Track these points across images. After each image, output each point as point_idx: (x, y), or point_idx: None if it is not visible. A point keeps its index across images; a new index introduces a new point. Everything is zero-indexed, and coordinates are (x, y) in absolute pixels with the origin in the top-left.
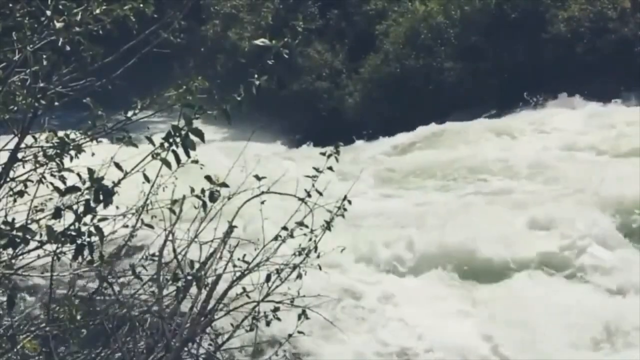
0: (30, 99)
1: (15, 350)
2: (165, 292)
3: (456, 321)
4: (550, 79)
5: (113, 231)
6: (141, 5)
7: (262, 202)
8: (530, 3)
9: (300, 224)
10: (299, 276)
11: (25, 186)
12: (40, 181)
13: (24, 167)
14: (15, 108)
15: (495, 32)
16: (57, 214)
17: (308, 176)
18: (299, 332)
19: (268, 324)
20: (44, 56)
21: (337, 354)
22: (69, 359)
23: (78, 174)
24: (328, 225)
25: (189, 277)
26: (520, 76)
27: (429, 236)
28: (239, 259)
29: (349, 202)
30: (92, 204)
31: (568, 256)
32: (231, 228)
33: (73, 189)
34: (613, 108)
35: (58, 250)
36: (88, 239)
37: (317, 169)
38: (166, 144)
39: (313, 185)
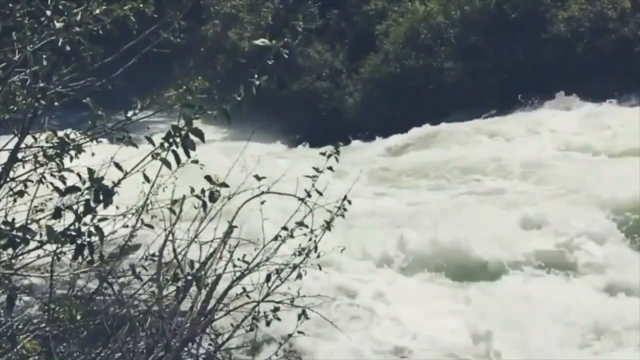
0: (30, 99)
1: (15, 350)
2: (165, 292)
3: (449, 320)
4: (550, 79)
5: (113, 231)
6: (141, 5)
7: (262, 202)
8: (530, 3)
9: (300, 224)
10: (299, 276)
11: (25, 186)
12: (40, 181)
13: (24, 167)
14: (15, 108)
15: (495, 32)
16: (57, 214)
17: (308, 176)
18: (299, 332)
19: (268, 324)
20: (44, 56)
21: (331, 352)
22: (69, 359)
23: (78, 174)
24: (328, 225)
25: (189, 277)
26: (520, 76)
27: (423, 235)
28: (239, 259)
29: (349, 202)
30: (92, 204)
31: (562, 255)
32: (231, 228)
33: (73, 189)
34: (609, 108)
35: (58, 250)
36: (88, 239)
37: (317, 169)
38: (166, 144)
39: (313, 185)
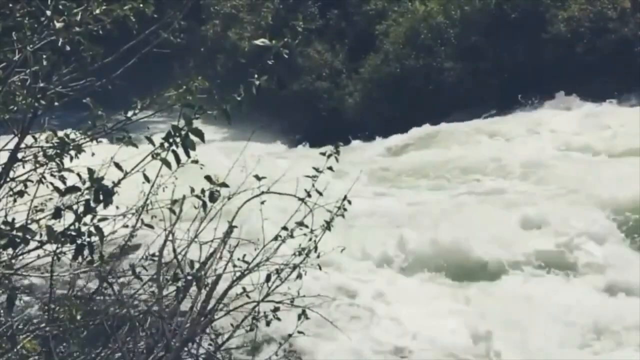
0: (30, 99)
1: (15, 350)
2: (165, 292)
3: (449, 320)
4: (550, 79)
5: (113, 231)
6: (141, 5)
7: (262, 202)
8: (530, 3)
9: (300, 224)
10: (299, 276)
11: (25, 186)
12: (40, 181)
13: (24, 167)
14: (15, 108)
15: (495, 32)
16: (57, 214)
17: (308, 176)
18: (299, 332)
19: (268, 324)
20: (44, 56)
21: (331, 352)
22: (69, 359)
23: (78, 174)
24: (328, 225)
25: (189, 277)
26: (520, 76)
27: (423, 235)
28: (239, 259)
29: (349, 202)
30: (92, 204)
31: (562, 255)
32: (231, 228)
33: (73, 189)
34: (609, 108)
35: (58, 250)
36: (88, 239)
37: (317, 169)
38: (166, 144)
39: (313, 185)
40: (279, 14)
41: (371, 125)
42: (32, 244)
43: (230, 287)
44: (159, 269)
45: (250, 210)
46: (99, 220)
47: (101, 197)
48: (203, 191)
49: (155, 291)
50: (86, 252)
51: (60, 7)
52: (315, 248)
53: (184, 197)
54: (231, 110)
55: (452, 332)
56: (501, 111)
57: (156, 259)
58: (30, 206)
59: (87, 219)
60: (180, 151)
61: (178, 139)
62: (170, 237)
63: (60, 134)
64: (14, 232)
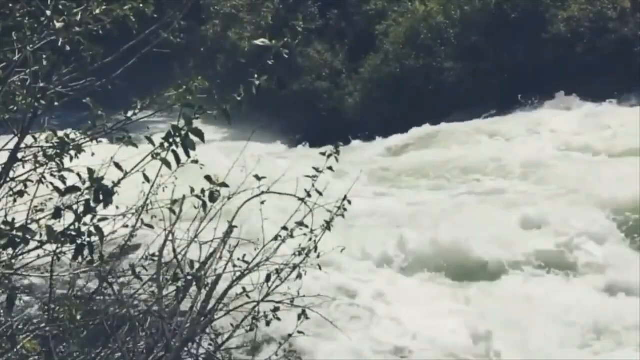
0: (30, 99)
1: (15, 350)
2: (165, 292)
3: (449, 320)
4: (550, 79)
5: (113, 231)
6: (141, 5)
7: (262, 202)
8: (530, 3)
9: (300, 224)
10: (299, 276)
11: (25, 186)
12: (40, 181)
13: (24, 167)
14: (15, 108)
15: (495, 32)
16: (57, 214)
17: (308, 176)
18: (299, 332)
19: (268, 324)
20: (44, 56)
21: (331, 352)
22: (69, 359)
23: (78, 174)
24: (328, 225)
25: (189, 277)
26: (520, 76)
27: (423, 235)
28: (239, 259)
29: (349, 202)
30: (92, 204)
31: (562, 255)
32: (231, 228)
33: (73, 189)
34: (609, 108)
35: (58, 250)
36: (88, 239)
37: (317, 169)
38: (166, 144)
39: (313, 185)
40: (279, 14)
41: (371, 125)
42: (32, 244)
43: (230, 287)
44: (159, 269)
45: (250, 210)
46: (99, 220)
47: (101, 197)
48: (203, 191)
49: (155, 291)
50: (86, 252)
51: (60, 7)
52: (315, 248)
53: (184, 197)
54: (231, 110)
55: (452, 332)
56: (501, 111)
57: (156, 259)
58: (30, 206)
59: (87, 219)
60: (180, 151)
61: (178, 139)
62: (170, 237)
63: (60, 134)
64: (14, 232)
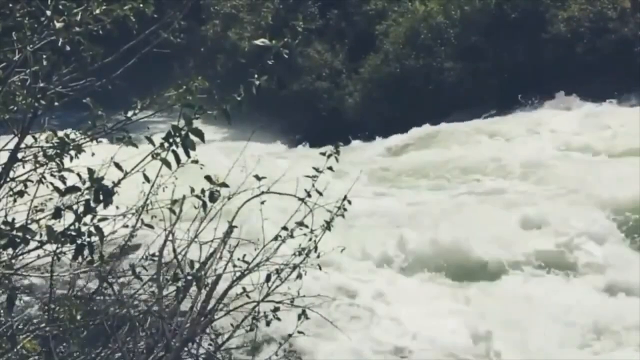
0: (30, 99)
1: (15, 350)
2: (165, 292)
3: (449, 320)
4: (550, 79)
5: (113, 231)
6: (141, 5)
7: (262, 202)
8: (530, 3)
9: (300, 224)
10: (299, 276)
11: (25, 186)
12: (40, 181)
13: (24, 167)
14: (15, 108)
15: (495, 32)
16: (57, 214)
17: (308, 176)
18: (299, 332)
19: (268, 324)
20: (44, 56)
21: (331, 352)
22: (69, 359)
23: (78, 174)
24: (328, 225)
25: (189, 277)
26: (520, 76)
27: (423, 235)
28: (239, 259)
29: (349, 202)
30: (92, 204)
31: (562, 255)
32: (231, 228)
33: (73, 189)
34: (609, 108)
35: (58, 250)
36: (88, 239)
37: (317, 169)
38: (166, 144)
39: (313, 185)
40: (279, 14)
41: (371, 125)
42: (32, 244)
43: (230, 287)
44: (159, 269)
45: (250, 210)
46: (99, 220)
47: (101, 197)
48: (203, 191)
49: (155, 291)
50: (86, 252)
51: (60, 7)
52: (315, 248)
53: (184, 197)
54: (231, 110)
55: (452, 332)
56: (501, 111)
57: (156, 259)
58: (30, 206)
59: (87, 219)
60: (180, 151)
61: (178, 139)
62: (170, 237)
63: (60, 134)
64: (14, 232)
